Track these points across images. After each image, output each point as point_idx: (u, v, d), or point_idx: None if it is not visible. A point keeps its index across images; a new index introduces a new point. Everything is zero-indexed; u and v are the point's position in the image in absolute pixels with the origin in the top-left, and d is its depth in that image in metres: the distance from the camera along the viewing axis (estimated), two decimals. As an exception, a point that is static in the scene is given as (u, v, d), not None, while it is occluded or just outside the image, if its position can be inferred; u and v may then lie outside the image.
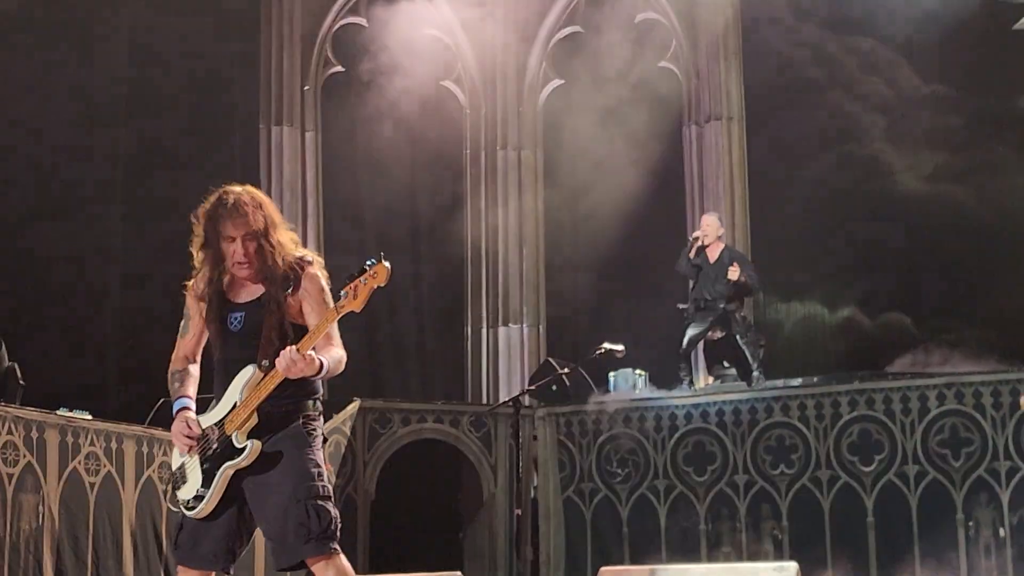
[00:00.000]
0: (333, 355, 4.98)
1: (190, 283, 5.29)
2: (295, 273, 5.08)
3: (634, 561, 10.13)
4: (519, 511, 8.74)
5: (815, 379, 11.64)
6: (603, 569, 7.00)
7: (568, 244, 15.30)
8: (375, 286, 4.88)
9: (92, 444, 9.13)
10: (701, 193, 14.28)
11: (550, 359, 12.35)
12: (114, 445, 9.31)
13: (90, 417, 9.26)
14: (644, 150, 14.52)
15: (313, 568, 5.04)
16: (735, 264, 11.95)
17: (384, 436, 11.39)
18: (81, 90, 12.80)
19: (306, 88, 14.17)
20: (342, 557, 5.06)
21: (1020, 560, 9.91)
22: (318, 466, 5.04)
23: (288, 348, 4.87)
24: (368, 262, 4.97)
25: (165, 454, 9.65)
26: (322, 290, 5.07)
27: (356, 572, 5.22)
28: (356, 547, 10.81)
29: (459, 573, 6.92)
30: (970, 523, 10.19)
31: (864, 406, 10.74)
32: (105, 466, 9.19)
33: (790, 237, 14.14)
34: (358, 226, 14.24)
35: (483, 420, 11.77)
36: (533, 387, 9.79)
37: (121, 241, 12.66)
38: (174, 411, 5.17)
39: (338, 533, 5.04)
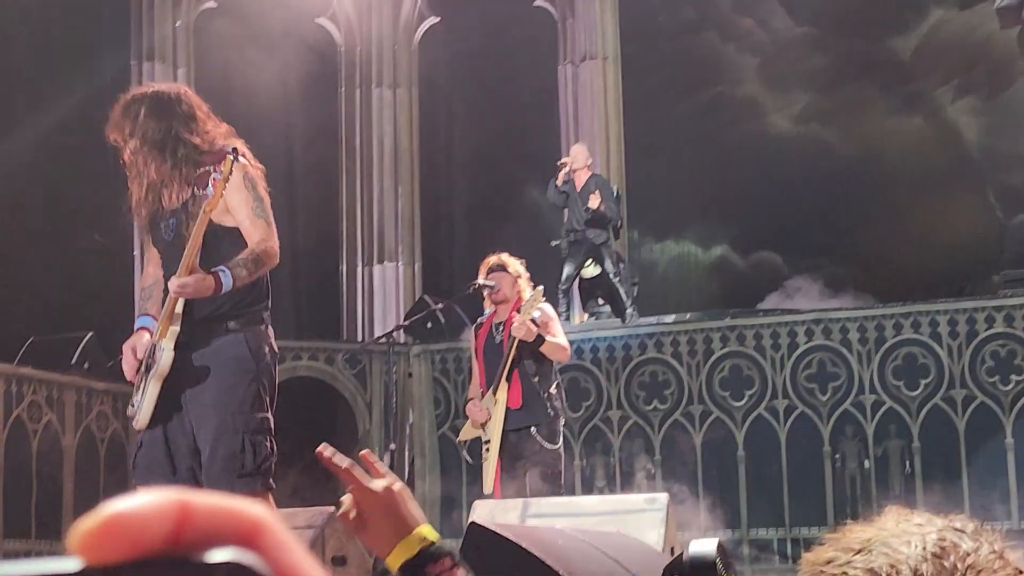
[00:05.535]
0: (243, 257, 4.64)
1: (133, 198, 4.98)
2: (214, 166, 4.72)
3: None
4: (393, 447, 8.76)
5: (688, 316, 11.79)
6: (477, 502, 7.06)
7: (443, 183, 15.30)
8: (224, 178, 4.60)
9: (-42, 383, 8.99)
10: (576, 132, 14.32)
11: (425, 296, 12.37)
12: (-20, 384, 9.17)
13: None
14: (519, 89, 14.56)
15: None
16: (596, 191, 11.98)
17: (258, 374, 11.32)
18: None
19: (177, 24, 13.95)
20: (270, 498, 4.78)
21: (883, 491, 10.16)
22: (258, 395, 4.75)
23: (180, 272, 4.57)
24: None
25: (35, 393, 9.53)
26: (245, 178, 4.73)
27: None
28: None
29: (332, 508, 6.92)
30: (836, 456, 10.42)
31: (735, 342, 10.91)
32: (-28, 406, 9.05)
33: (664, 176, 14.27)
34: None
35: (358, 358, 11.76)
36: (407, 323, 9.80)
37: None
38: (135, 328, 4.91)
39: (272, 469, 4.78)
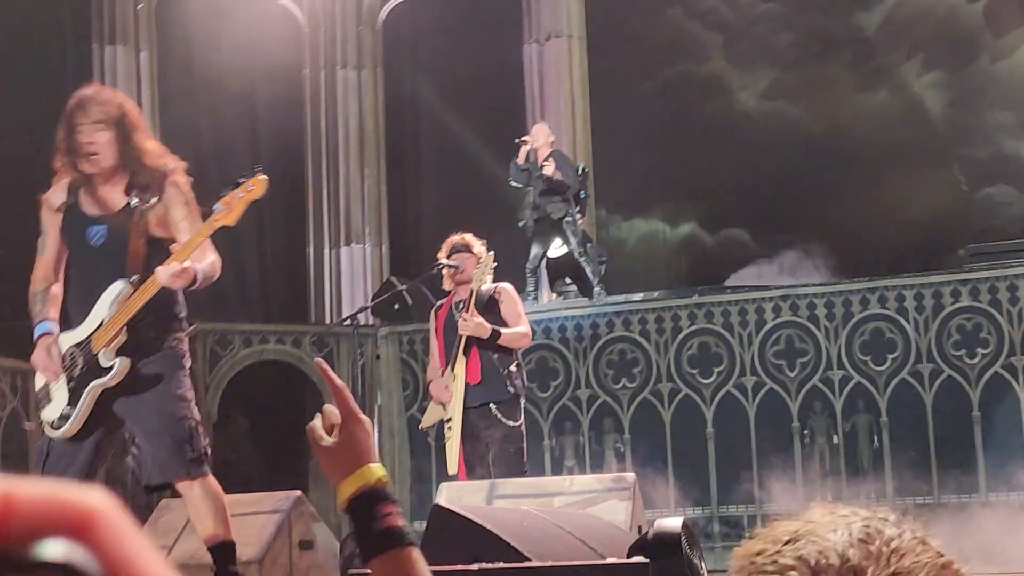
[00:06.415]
0: (206, 262, 4.87)
1: (44, 196, 5.07)
2: (158, 180, 4.91)
3: (478, 477, 10.21)
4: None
5: (656, 294, 11.78)
6: (443, 484, 7.04)
7: (410, 163, 15.26)
8: (251, 200, 4.75)
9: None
10: (542, 111, 14.29)
11: (392, 278, 12.32)
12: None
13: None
14: (485, 70, 14.51)
15: (181, 488, 4.95)
16: (550, 160, 11.96)
17: (225, 358, 11.26)
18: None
19: (139, 6, 13.85)
20: (212, 478, 5.01)
21: (852, 466, 10.19)
22: (191, 389, 5.02)
23: (169, 263, 4.74)
24: (241, 177, 4.83)
25: (-5, 382, 9.46)
26: (187, 198, 4.92)
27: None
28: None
29: (299, 492, 6.90)
30: (805, 431, 10.44)
31: (703, 319, 10.91)
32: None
33: (631, 155, 14.26)
34: (196, 148, 13.99)
35: (325, 341, 11.71)
36: (372, 304, 9.76)
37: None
38: (35, 335, 5.00)
39: (209, 457, 5.04)
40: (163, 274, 4.70)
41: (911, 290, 10.36)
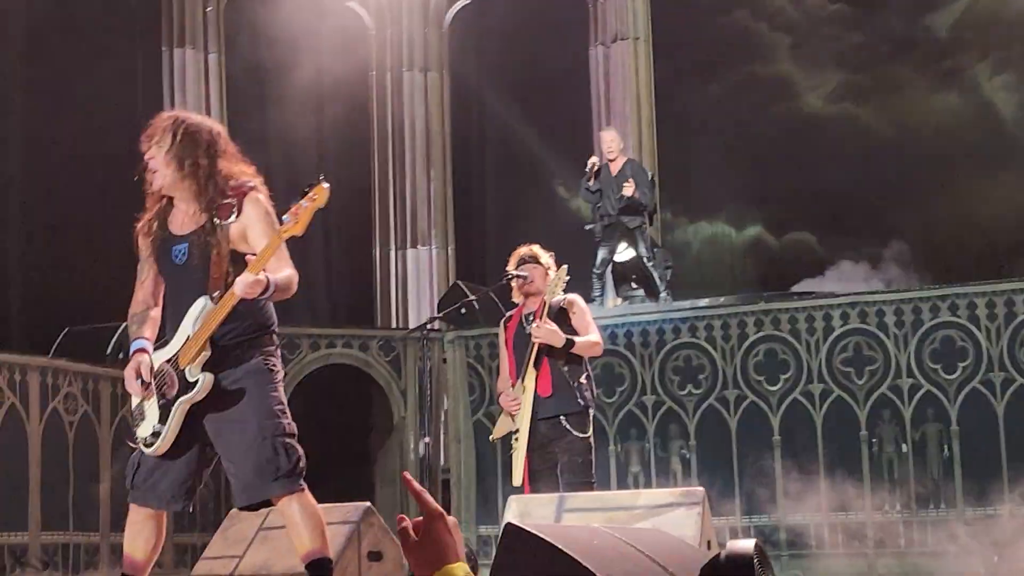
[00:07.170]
0: (281, 275, 4.91)
1: (138, 224, 5.22)
2: (237, 199, 5.03)
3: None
4: (428, 439, 8.72)
5: (722, 299, 11.72)
6: (512, 498, 7.02)
7: (475, 165, 15.27)
8: (316, 208, 4.83)
9: (-6, 376, 9.01)
10: (608, 114, 14.27)
11: (459, 282, 12.33)
12: (17, 377, 9.18)
13: (-9, 349, 9.13)
14: (550, 71, 14.50)
15: (279, 505, 4.99)
16: (631, 180, 11.95)
17: (292, 362, 11.31)
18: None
19: (208, 9, 13.94)
20: (308, 493, 5.02)
21: (921, 475, 10.10)
22: (281, 403, 5.01)
23: (244, 273, 4.82)
24: (307, 186, 4.92)
25: (70, 385, 9.55)
26: (267, 213, 5.01)
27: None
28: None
29: (368, 503, 6.91)
30: (873, 440, 10.35)
31: (770, 326, 10.83)
32: (9, 398, 9.06)
33: (697, 157, 14.21)
34: (264, 150, 14.07)
35: (392, 344, 11.75)
36: (441, 315, 9.77)
37: (21, 168, 12.41)
38: (130, 352, 5.11)
39: (304, 471, 4.99)
40: (239, 285, 4.79)
41: (983, 298, 10.24)
